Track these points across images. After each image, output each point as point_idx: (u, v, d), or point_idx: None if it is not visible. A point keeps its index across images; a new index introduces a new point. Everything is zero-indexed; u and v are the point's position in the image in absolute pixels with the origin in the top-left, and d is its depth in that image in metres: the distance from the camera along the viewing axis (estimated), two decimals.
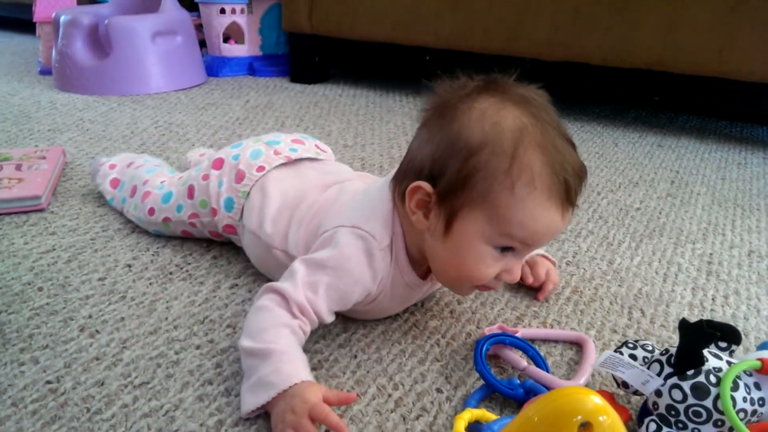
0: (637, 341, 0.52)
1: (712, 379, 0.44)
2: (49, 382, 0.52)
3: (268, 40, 1.95)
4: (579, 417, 0.25)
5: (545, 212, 0.50)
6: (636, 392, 0.49)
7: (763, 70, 1.22)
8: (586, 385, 0.55)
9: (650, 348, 0.51)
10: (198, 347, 0.58)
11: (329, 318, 0.54)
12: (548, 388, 0.51)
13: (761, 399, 0.45)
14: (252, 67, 1.92)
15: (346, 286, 0.54)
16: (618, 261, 0.79)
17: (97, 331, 0.60)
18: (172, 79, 1.64)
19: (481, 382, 0.54)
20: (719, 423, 0.44)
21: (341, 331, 0.61)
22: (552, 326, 0.64)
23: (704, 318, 0.64)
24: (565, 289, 0.72)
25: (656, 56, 1.31)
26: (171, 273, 0.71)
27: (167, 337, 0.59)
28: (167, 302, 0.65)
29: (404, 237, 0.57)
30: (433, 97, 0.55)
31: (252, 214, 0.68)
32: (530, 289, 0.70)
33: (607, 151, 1.27)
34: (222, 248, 0.77)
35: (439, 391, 0.54)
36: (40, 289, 0.67)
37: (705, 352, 0.46)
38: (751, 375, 0.45)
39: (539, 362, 0.56)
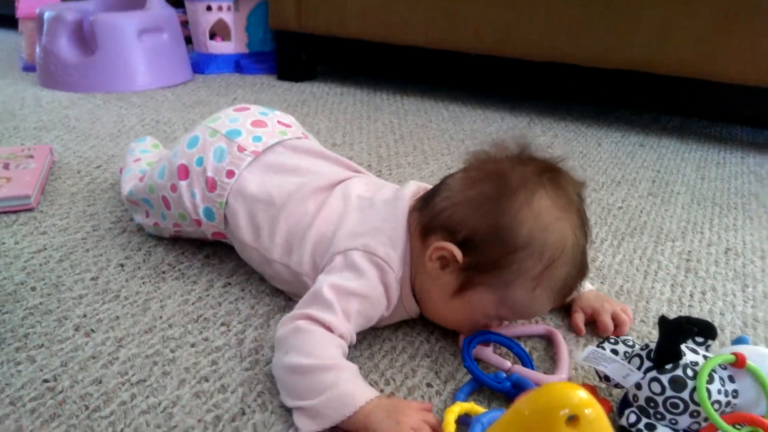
0: (618, 337, 0.54)
1: (689, 372, 0.46)
2: (46, 381, 0.53)
3: (254, 38, 1.95)
4: (566, 410, 0.27)
5: (545, 304, 0.57)
6: (617, 385, 0.51)
7: (751, 73, 1.25)
8: (569, 379, 0.57)
9: (631, 343, 0.54)
10: (193, 345, 0.59)
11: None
12: (530, 382, 0.53)
13: (735, 391, 0.47)
14: (239, 65, 1.92)
15: (373, 311, 0.57)
16: (600, 258, 0.82)
17: (93, 330, 0.60)
18: (158, 77, 1.63)
19: (469, 376, 0.56)
20: (695, 414, 0.46)
21: None
22: (537, 323, 0.66)
23: (682, 314, 0.68)
24: None
25: (647, 58, 1.33)
26: (164, 272, 0.72)
27: (162, 335, 0.60)
28: (161, 301, 0.66)
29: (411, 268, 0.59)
30: (486, 158, 0.58)
31: (239, 224, 0.66)
32: None
33: (591, 150, 1.29)
34: (215, 247, 0.78)
35: (429, 385, 0.55)
36: (33, 288, 0.67)
37: (682, 347, 0.48)
38: (725, 368, 0.48)
39: (524, 359, 0.58)
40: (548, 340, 0.63)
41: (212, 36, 1.90)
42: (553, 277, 0.53)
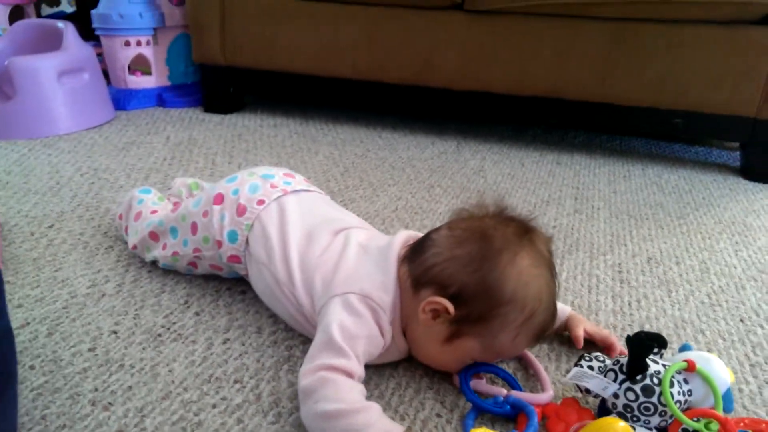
0: (590, 353, 0.65)
1: (655, 380, 0.57)
2: None
3: (176, 70, 1.93)
4: None
5: (522, 346, 0.65)
6: (595, 396, 0.62)
7: (641, 95, 1.45)
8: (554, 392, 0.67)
9: (601, 359, 0.64)
10: (214, 406, 0.62)
11: None
12: (526, 403, 0.62)
13: (689, 391, 0.59)
14: (161, 99, 1.89)
15: (374, 350, 0.63)
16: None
17: (110, 404, 0.62)
18: (81, 118, 1.58)
19: (470, 405, 0.64)
20: (663, 413, 0.57)
21: None
22: None
23: (626, 323, 0.80)
24: None
25: (549, 85, 1.50)
26: (159, 335, 0.74)
27: (181, 400, 0.63)
28: (167, 365, 0.68)
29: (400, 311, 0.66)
30: (469, 217, 0.66)
31: (258, 246, 0.74)
32: None
33: (517, 171, 1.43)
34: (201, 303, 0.81)
35: (438, 415, 0.63)
36: (32, 367, 0.67)
37: (647, 360, 0.59)
38: (680, 373, 0.59)
39: (512, 382, 0.67)
40: (519, 360, 0.72)
41: (131, 70, 1.86)
42: (532, 326, 0.62)
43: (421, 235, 0.70)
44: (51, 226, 1.01)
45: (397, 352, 0.68)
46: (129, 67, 1.84)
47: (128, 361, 0.69)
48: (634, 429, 0.56)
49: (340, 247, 0.70)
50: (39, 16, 2.26)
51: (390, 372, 0.69)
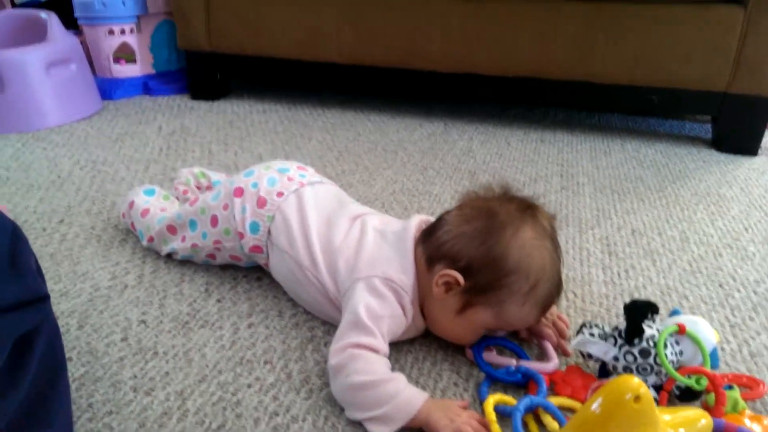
0: (590, 322, 0.71)
1: (651, 343, 0.64)
2: None
3: (160, 58, 1.93)
4: (629, 395, 0.42)
5: (532, 316, 0.69)
6: (596, 360, 0.68)
7: (618, 73, 1.51)
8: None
9: (601, 326, 0.70)
10: (249, 386, 0.67)
11: None
12: (535, 371, 0.68)
13: (680, 351, 0.66)
14: (147, 87, 1.89)
15: (397, 328, 0.69)
16: None
17: (151, 389, 0.66)
18: (71, 110, 1.58)
19: (483, 374, 0.70)
20: (659, 373, 0.64)
21: None
22: None
23: (617, 292, 0.87)
24: None
25: (532, 66, 1.55)
26: (187, 322, 0.78)
27: (217, 382, 0.68)
28: (199, 350, 0.73)
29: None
30: (477, 198, 0.72)
31: (281, 235, 0.78)
32: None
33: (503, 150, 1.49)
34: (221, 290, 0.85)
35: (456, 385, 0.69)
36: (70, 359, 0.71)
37: (643, 325, 0.66)
38: (672, 336, 0.66)
39: (519, 353, 0.73)
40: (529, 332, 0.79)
41: (115, 59, 1.85)
42: (538, 294, 0.67)
43: (432, 219, 0.75)
44: (61, 221, 1.04)
45: (415, 329, 0.74)
46: (113, 56, 1.83)
47: (161, 349, 0.73)
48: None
49: (358, 233, 0.75)
50: (13, 4, 2.21)
51: (407, 348, 0.75)
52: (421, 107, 1.82)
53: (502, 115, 1.78)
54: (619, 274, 0.94)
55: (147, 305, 0.81)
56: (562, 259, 0.71)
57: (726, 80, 1.46)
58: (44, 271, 0.87)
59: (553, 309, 0.77)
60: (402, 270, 0.70)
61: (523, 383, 0.68)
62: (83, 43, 1.84)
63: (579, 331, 0.70)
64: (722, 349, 0.76)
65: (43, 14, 1.60)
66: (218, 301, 0.83)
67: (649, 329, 0.66)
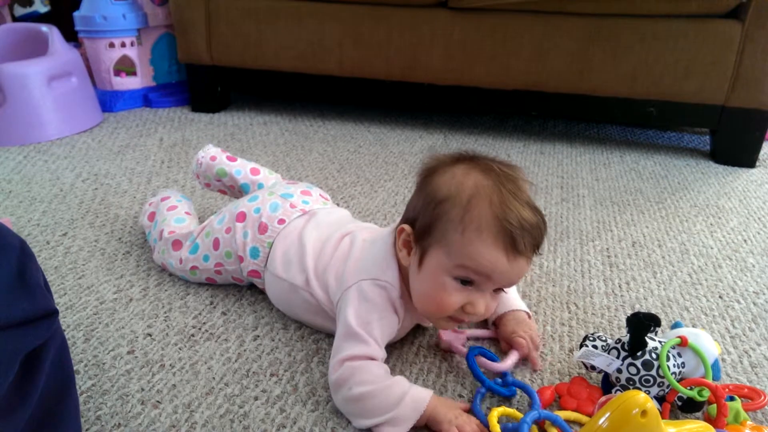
0: (593, 334, 0.72)
1: (654, 356, 0.65)
2: None
3: (160, 70, 1.94)
4: (637, 409, 0.42)
5: (490, 252, 0.62)
6: (599, 371, 0.69)
7: (617, 87, 1.53)
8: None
9: (603, 338, 0.71)
10: (256, 398, 0.68)
11: None
12: (528, 386, 0.68)
13: (682, 363, 0.66)
14: (147, 99, 1.90)
15: (390, 328, 0.69)
16: (546, 264, 1.00)
17: (159, 402, 0.67)
18: (72, 123, 1.59)
19: (477, 384, 0.71)
20: (661, 384, 0.65)
21: None
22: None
23: (619, 304, 0.88)
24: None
25: (531, 79, 1.57)
26: (192, 335, 0.79)
27: (224, 394, 0.68)
28: (206, 363, 0.73)
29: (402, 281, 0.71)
30: (426, 163, 0.71)
31: (276, 261, 0.79)
32: None
33: None
34: (225, 303, 0.85)
35: (460, 396, 0.69)
36: (77, 372, 0.71)
37: (646, 337, 0.66)
38: (674, 348, 0.67)
39: (491, 357, 0.74)
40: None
41: (116, 72, 1.86)
42: (474, 217, 0.61)
43: None
44: (65, 234, 1.04)
45: (410, 319, 0.74)
46: (113, 69, 1.84)
47: (168, 361, 0.73)
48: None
49: (348, 246, 0.76)
50: (13, 17, 2.23)
51: (412, 360, 0.75)
52: (421, 119, 1.84)
53: (500, 127, 1.80)
54: (620, 286, 0.94)
55: (152, 318, 0.82)
56: (513, 193, 0.63)
57: (724, 94, 1.48)
58: (49, 284, 0.88)
59: (533, 326, 0.77)
60: (386, 266, 0.71)
61: (512, 396, 0.69)
62: (83, 56, 1.85)
63: (582, 343, 0.71)
64: (723, 360, 0.77)
65: (44, 28, 1.61)
66: (223, 313, 0.83)
67: (652, 341, 0.67)
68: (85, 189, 1.24)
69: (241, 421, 0.64)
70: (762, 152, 1.59)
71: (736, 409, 0.64)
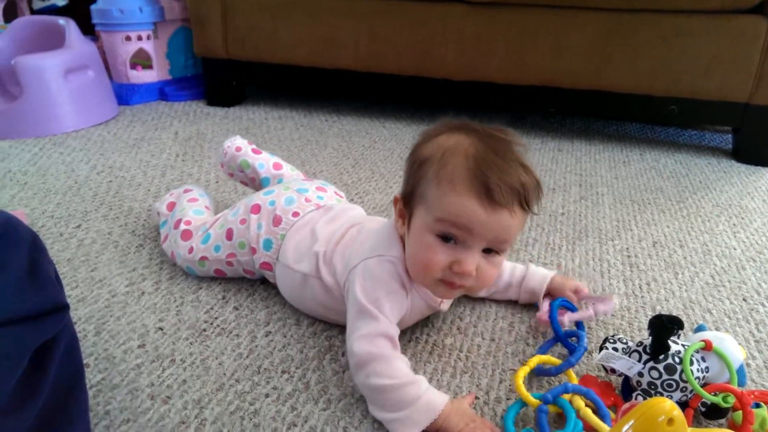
0: (613, 336, 0.70)
1: (676, 359, 0.63)
2: None
3: (176, 64, 1.94)
4: (663, 417, 0.40)
5: (464, 203, 0.60)
6: (619, 374, 0.67)
7: (634, 83, 1.49)
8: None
9: (624, 340, 0.69)
10: (267, 395, 0.67)
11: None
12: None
13: (706, 368, 0.64)
14: (163, 92, 1.90)
15: (400, 304, 0.68)
16: (564, 263, 0.98)
17: (168, 397, 0.66)
18: (88, 115, 1.59)
19: (507, 382, 0.69)
20: (684, 389, 0.62)
21: None
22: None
23: (639, 305, 0.86)
24: None
25: (548, 75, 1.54)
26: (204, 330, 0.78)
27: (234, 391, 0.67)
28: (217, 358, 0.72)
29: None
30: (418, 137, 0.71)
31: (288, 253, 0.79)
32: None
33: None
34: (238, 298, 0.84)
35: (476, 398, 0.68)
36: (87, 365, 0.70)
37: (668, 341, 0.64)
38: (698, 352, 0.65)
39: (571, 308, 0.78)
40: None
41: (132, 65, 1.86)
42: (449, 170, 0.61)
43: None
44: (78, 226, 1.04)
45: (420, 299, 0.72)
46: (130, 62, 1.85)
47: (178, 356, 0.72)
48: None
49: (355, 234, 0.77)
50: (31, 10, 2.24)
51: (426, 359, 0.74)
52: (435, 114, 1.81)
53: (517, 124, 1.77)
54: (640, 287, 0.92)
55: (164, 312, 0.81)
56: (510, 157, 0.63)
57: (748, 91, 1.44)
58: (61, 276, 0.88)
59: (571, 282, 0.82)
60: (390, 244, 0.70)
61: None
62: (100, 49, 1.85)
63: (602, 346, 0.69)
64: (747, 365, 0.74)
65: (61, 21, 1.61)
66: (235, 308, 0.82)
67: (675, 345, 0.64)
68: (99, 181, 1.24)
69: (251, 419, 0.63)
70: None
71: (763, 417, 0.61)
